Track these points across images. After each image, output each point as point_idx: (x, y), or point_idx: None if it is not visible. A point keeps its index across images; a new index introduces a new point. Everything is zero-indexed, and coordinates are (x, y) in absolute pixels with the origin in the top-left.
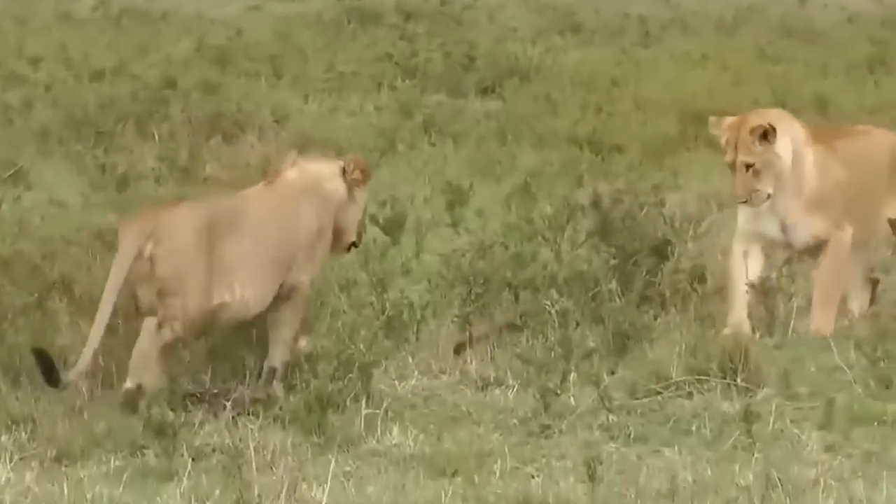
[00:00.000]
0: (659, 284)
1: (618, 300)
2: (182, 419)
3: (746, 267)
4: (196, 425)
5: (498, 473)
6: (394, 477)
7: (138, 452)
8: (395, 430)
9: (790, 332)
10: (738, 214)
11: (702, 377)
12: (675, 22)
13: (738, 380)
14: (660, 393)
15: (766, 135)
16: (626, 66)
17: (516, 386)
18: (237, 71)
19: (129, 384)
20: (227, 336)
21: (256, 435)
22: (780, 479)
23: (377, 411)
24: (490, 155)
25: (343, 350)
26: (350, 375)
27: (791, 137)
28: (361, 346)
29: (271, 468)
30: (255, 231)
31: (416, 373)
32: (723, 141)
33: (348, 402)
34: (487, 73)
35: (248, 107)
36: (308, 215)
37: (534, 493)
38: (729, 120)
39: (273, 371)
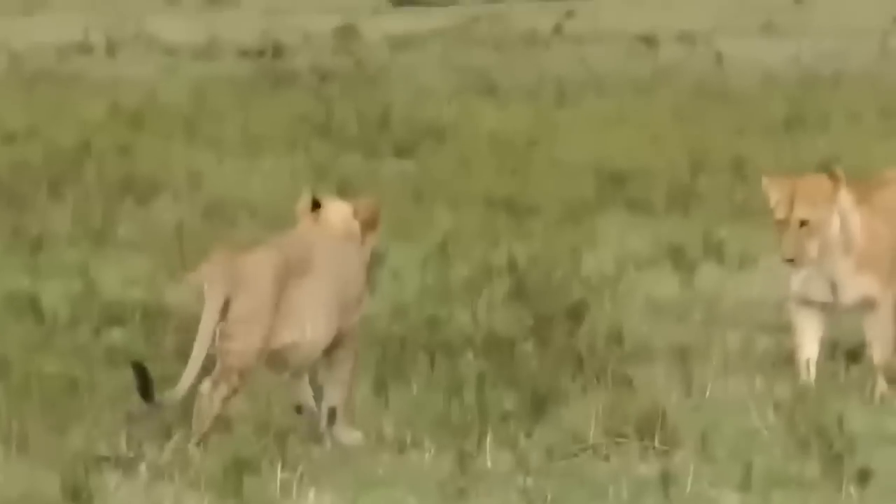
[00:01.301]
0: (576, 346)
1: (535, 362)
2: (97, 483)
3: (808, 325)
4: (112, 489)
5: None
6: None
7: None
8: (312, 494)
9: (708, 393)
10: (791, 277)
11: (619, 439)
12: (591, 83)
13: (656, 442)
14: (577, 455)
15: (833, 175)
16: (543, 126)
17: (433, 449)
18: (151, 132)
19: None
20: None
21: (173, 499)
22: None
23: (293, 475)
24: (406, 216)
25: (259, 413)
26: (266, 439)
27: (838, 202)
28: (277, 409)
29: None
30: (323, 272)
31: (331, 436)
32: (773, 201)
33: (264, 466)
34: (403, 134)
35: (162, 168)
36: (358, 257)
37: None
38: (782, 180)
39: (333, 411)
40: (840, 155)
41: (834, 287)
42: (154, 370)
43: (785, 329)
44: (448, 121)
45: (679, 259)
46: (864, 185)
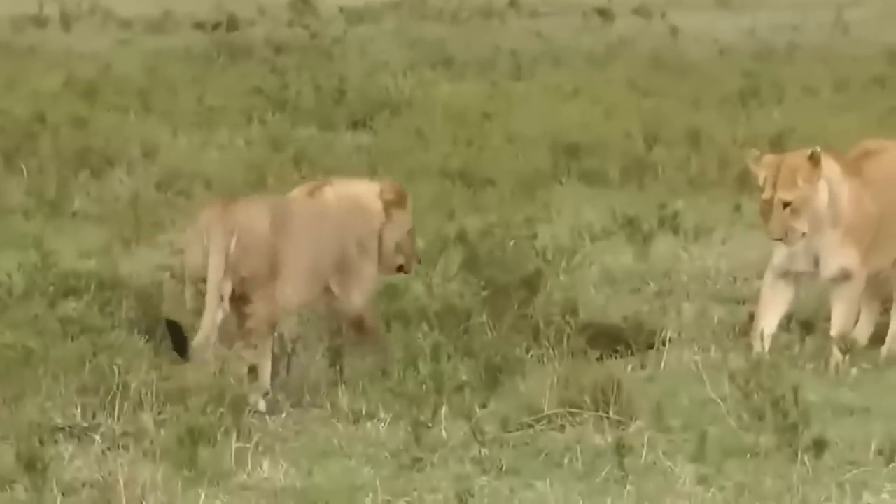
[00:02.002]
0: (531, 317)
1: (489, 333)
2: (52, 453)
3: (777, 299)
4: (66, 459)
5: None
6: None
7: (7, 487)
8: (266, 464)
9: (663, 364)
10: (773, 250)
11: (574, 410)
12: (546, 55)
13: (611, 412)
14: (532, 426)
15: (813, 157)
16: (498, 99)
17: (388, 419)
18: (106, 105)
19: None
20: (96, 369)
21: (127, 469)
22: None
23: (248, 445)
24: None
25: (214, 384)
26: (221, 409)
27: (827, 176)
28: (232, 380)
29: (142, 502)
30: (300, 233)
31: (287, 406)
32: (761, 179)
33: (219, 436)
34: (358, 107)
35: (117, 141)
36: (343, 232)
37: None
38: (770, 157)
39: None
40: (795, 127)
41: (817, 260)
42: (109, 340)
43: (740, 300)
44: (403, 93)
45: (634, 230)
46: (853, 157)
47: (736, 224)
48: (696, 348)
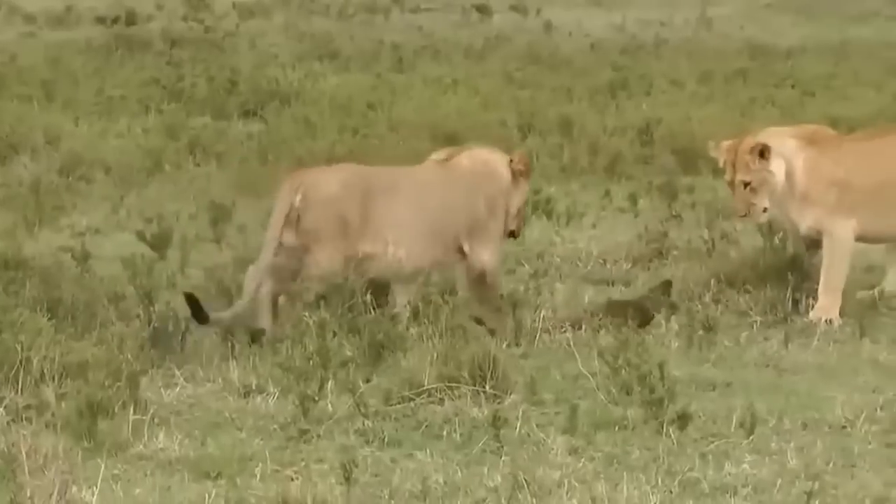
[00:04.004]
0: (412, 297)
1: (372, 312)
2: None
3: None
4: None
5: (259, 476)
6: (160, 480)
7: None
8: (162, 436)
9: (537, 341)
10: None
11: (452, 384)
12: (427, 49)
13: (487, 387)
14: (413, 399)
15: (763, 153)
16: (382, 90)
17: (277, 393)
18: (10, 95)
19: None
20: (0, 345)
21: (29, 440)
22: (526, 481)
23: (144, 417)
24: (252, 174)
25: (112, 359)
26: (119, 383)
27: (783, 154)
28: (129, 355)
29: (43, 472)
30: (415, 199)
31: (181, 381)
32: (721, 162)
33: (117, 409)
34: (249, 97)
35: (20, 129)
36: (475, 193)
37: (293, 494)
38: (726, 143)
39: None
40: (661, 117)
41: (790, 219)
42: (12, 317)
43: (609, 281)
44: (292, 85)
45: None
46: (809, 130)
47: (606, 209)
48: (568, 326)
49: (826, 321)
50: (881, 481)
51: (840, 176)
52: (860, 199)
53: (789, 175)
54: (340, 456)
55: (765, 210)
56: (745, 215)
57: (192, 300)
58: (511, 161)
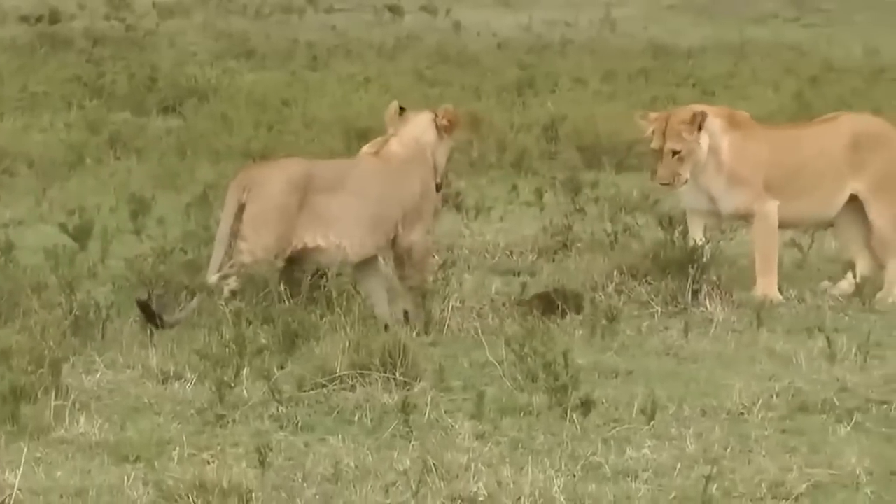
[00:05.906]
0: (325, 287)
1: (287, 302)
2: None
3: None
4: None
5: (176, 459)
6: (81, 462)
7: None
8: (83, 420)
9: (445, 330)
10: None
11: (364, 371)
12: (340, 48)
13: (397, 374)
14: (325, 386)
15: (700, 124)
16: (296, 87)
17: (194, 379)
18: None
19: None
20: None
21: None
22: (434, 465)
23: (66, 403)
24: (171, 168)
25: (35, 346)
26: (41, 370)
27: (708, 129)
28: (52, 342)
29: None
30: (356, 190)
31: (101, 367)
32: (649, 131)
33: (39, 394)
34: (168, 94)
35: None
36: (411, 180)
37: (209, 477)
38: (655, 114)
39: (406, 313)
40: (566, 114)
41: (712, 199)
42: None
43: (515, 272)
44: (210, 82)
45: None
46: (727, 112)
47: (513, 203)
48: (476, 315)
49: (769, 301)
50: (777, 466)
51: (765, 157)
52: (782, 182)
53: (713, 151)
54: (255, 440)
55: (685, 181)
56: (668, 184)
57: (144, 307)
58: (436, 117)
